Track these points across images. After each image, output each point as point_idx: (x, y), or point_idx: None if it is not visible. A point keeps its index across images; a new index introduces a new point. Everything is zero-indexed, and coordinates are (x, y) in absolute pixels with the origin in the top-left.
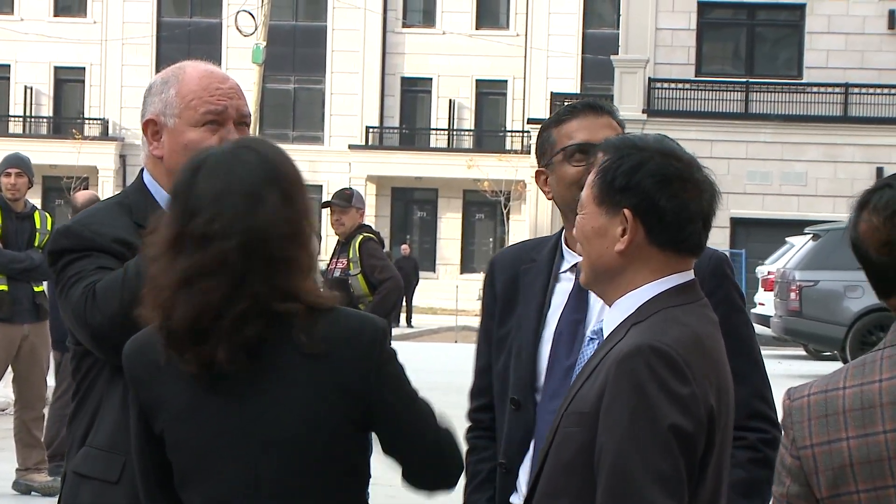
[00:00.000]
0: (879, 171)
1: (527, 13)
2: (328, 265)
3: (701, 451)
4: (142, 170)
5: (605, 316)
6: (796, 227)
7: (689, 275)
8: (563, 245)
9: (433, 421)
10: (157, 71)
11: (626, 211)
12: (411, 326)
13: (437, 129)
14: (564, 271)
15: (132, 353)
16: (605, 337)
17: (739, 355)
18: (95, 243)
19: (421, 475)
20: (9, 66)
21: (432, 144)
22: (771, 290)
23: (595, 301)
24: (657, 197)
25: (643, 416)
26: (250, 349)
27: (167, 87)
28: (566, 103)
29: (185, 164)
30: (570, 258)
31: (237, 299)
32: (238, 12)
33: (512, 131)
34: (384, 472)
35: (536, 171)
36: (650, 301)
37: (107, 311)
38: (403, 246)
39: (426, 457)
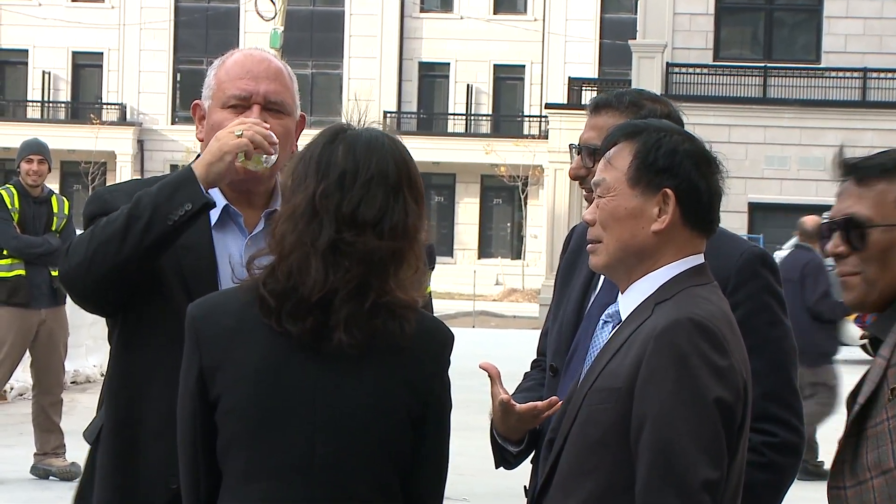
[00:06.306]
0: None
1: None
2: None
3: (738, 423)
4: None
5: (621, 299)
6: (814, 212)
7: (702, 257)
8: None
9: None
10: (175, 56)
11: (667, 190)
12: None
13: (454, 115)
14: None
15: (200, 314)
16: (622, 319)
17: (758, 356)
18: (111, 207)
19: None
20: (27, 51)
21: (450, 129)
22: None
23: None
24: (696, 178)
25: (687, 389)
26: (372, 336)
27: (212, 70)
28: (584, 88)
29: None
30: None
31: (369, 289)
32: None
33: (530, 116)
34: None
35: None
36: (670, 282)
37: (73, 261)
38: None
39: (427, 472)
